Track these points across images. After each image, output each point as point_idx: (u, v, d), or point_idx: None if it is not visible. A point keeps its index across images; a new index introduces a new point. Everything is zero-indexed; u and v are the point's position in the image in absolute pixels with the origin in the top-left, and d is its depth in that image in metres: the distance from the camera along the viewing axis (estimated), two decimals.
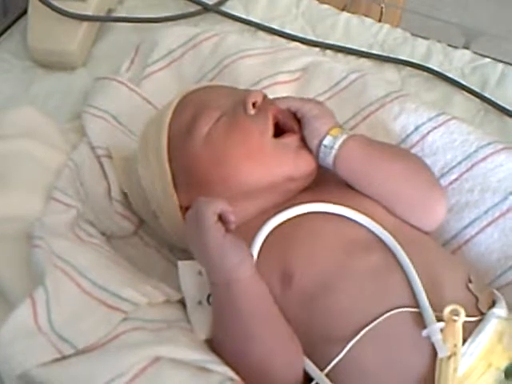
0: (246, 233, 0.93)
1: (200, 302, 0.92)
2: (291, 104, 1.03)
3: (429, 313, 0.85)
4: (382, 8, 1.93)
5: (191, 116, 1.01)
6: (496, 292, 0.94)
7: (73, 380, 0.82)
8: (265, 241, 0.93)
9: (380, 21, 1.63)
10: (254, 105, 1.00)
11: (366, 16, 1.52)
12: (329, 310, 0.89)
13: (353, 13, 1.52)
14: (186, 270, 0.93)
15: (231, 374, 0.85)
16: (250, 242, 0.92)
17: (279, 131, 1.01)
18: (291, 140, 1.00)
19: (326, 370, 0.86)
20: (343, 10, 1.54)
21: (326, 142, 0.99)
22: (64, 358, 0.84)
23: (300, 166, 1.00)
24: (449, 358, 0.83)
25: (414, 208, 1.00)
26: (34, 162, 1.12)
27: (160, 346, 0.85)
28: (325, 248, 0.93)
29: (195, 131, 1.00)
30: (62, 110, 1.30)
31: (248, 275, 0.88)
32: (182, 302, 0.95)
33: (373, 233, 0.94)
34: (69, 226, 1.03)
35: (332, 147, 0.98)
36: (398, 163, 1.01)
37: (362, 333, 0.85)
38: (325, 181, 1.03)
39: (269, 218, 0.94)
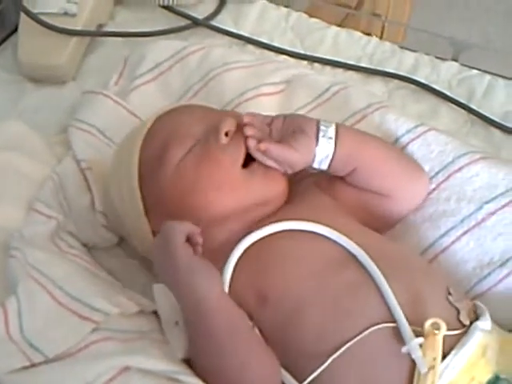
0: (220, 255, 0.93)
1: (177, 323, 0.91)
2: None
3: (406, 328, 0.85)
4: (383, 23, 1.94)
5: (162, 144, 1.01)
6: (480, 304, 0.94)
7: None
8: (238, 261, 0.93)
9: (382, 37, 1.64)
10: (227, 133, 1.00)
11: (368, 33, 1.52)
12: (304, 328, 0.89)
13: (354, 29, 1.52)
14: (161, 292, 0.93)
15: None
16: (223, 264, 0.93)
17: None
18: (257, 165, 0.99)
19: None
20: (339, 25, 1.54)
21: (322, 128, 0.99)
22: (34, 365, 0.85)
23: (271, 188, 1.00)
24: (427, 371, 0.83)
25: (402, 178, 1.04)
26: (19, 175, 1.13)
27: (129, 356, 0.86)
28: (297, 268, 0.93)
29: (166, 161, 0.99)
30: (50, 124, 1.31)
31: (217, 293, 0.87)
32: (157, 313, 0.95)
33: (346, 249, 0.94)
34: (49, 237, 1.05)
35: (330, 136, 0.99)
36: (381, 142, 1.07)
37: (339, 352, 0.85)
38: (296, 198, 1.03)
39: (242, 238, 0.95)
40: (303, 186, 1.06)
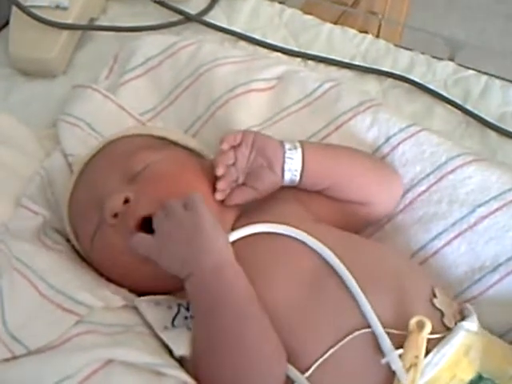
0: None
1: (166, 327, 0.91)
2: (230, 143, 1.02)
3: (385, 340, 0.84)
4: (380, 22, 1.92)
5: (77, 215, 1.04)
6: (468, 306, 0.93)
7: (20, 379, 0.82)
8: None
9: (378, 35, 1.62)
10: (116, 214, 0.96)
11: (365, 31, 1.50)
12: (283, 341, 0.87)
13: (351, 27, 1.50)
14: (144, 305, 0.93)
15: (185, 377, 0.84)
16: None
17: None
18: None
19: None
20: (335, 23, 1.53)
21: (287, 160, 1.00)
22: (15, 358, 0.84)
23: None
24: (408, 369, 0.82)
25: (377, 186, 1.04)
26: (6, 169, 1.12)
27: (112, 348, 0.85)
28: (273, 278, 0.92)
29: (82, 237, 1.02)
30: (41, 118, 1.30)
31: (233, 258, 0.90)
32: None
33: (323, 258, 0.92)
34: (34, 232, 1.04)
35: (296, 168, 1.00)
36: (353, 155, 1.06)
37: (317, 364, 0.84)
38: (269, 206, 1.03)
39: None
40: (279, 195, 1.04)
